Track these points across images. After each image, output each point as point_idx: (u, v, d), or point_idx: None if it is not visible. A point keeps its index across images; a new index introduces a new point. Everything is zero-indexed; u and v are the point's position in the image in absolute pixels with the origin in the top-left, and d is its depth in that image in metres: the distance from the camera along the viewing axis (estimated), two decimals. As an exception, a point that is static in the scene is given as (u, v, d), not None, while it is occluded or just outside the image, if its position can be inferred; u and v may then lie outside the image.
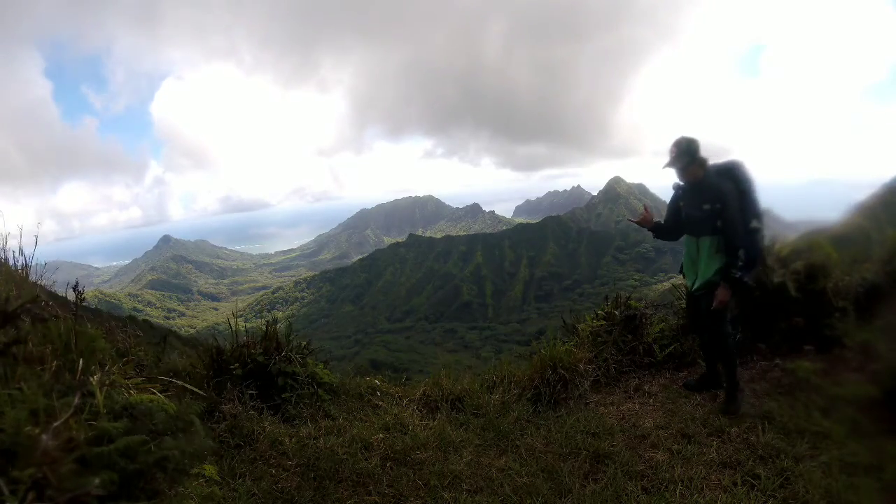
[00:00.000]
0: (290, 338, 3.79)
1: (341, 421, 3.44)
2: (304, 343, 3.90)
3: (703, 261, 3.54)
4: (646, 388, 3.83)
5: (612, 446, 3.03)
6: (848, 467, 2.61)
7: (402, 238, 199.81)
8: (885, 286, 4.20)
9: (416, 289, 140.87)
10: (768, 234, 4.68)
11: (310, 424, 3.36)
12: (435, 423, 3.43)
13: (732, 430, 3.13)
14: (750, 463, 2.78)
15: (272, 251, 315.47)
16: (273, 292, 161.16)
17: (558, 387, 3.68)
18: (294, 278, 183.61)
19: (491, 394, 3.78)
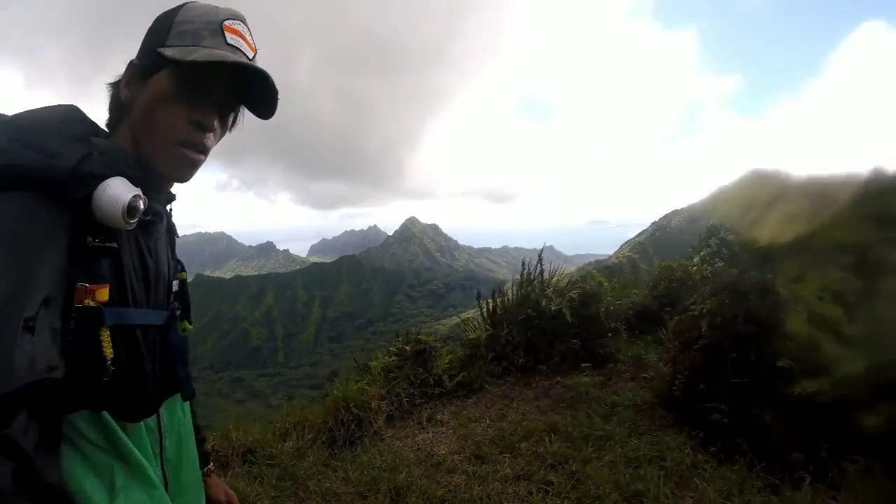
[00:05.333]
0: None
1: None
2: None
3: None
4: (438, 417, 3.90)
5: (410, 477, 2.98)
6: (632, 461, 2.97)
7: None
8: (652, 307, 5.18)
9: (200, 335, 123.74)
10: (548, 267, 5.38)
11: None
12: (227, 479, 2.92)
13: (522, 445, 3.31)
14: (542, 472, 2.95)
15: None
16: None
17: (353, 426, 3.59)
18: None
19: (284, 441, 3.49)
